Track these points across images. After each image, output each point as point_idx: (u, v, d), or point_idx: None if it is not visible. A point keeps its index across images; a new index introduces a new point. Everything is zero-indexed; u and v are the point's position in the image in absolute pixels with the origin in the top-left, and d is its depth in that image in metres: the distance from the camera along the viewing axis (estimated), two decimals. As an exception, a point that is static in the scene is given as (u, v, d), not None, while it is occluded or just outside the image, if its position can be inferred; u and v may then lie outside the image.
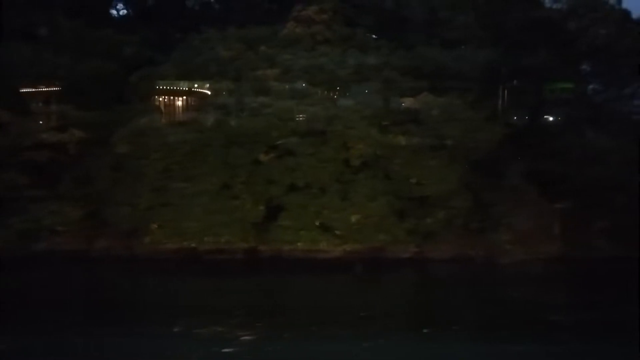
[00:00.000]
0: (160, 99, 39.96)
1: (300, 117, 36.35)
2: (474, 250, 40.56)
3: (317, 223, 35.37)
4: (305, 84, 37.86)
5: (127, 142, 34.54)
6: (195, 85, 39.98)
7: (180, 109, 39.20)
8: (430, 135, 38.24)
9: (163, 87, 40.08)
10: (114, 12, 60.29)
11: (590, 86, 52.77)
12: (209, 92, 39.70)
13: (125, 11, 60.58)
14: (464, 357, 19.86)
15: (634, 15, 51.14)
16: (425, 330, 22.28)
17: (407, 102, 39.26)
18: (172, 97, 40.00)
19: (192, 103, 38.63)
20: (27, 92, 40.25)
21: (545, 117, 48.45)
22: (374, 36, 44.15)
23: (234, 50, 41.01)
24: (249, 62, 40.01)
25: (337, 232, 35.66)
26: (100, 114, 36.06)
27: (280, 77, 38.26)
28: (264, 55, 40.86)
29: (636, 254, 40.18)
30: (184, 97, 39.81)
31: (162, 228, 34.49)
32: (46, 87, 40.20)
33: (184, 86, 39.71)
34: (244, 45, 41.74)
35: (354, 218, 35.72)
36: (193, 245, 34.23)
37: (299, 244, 34.69)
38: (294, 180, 35.71)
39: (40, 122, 40.02)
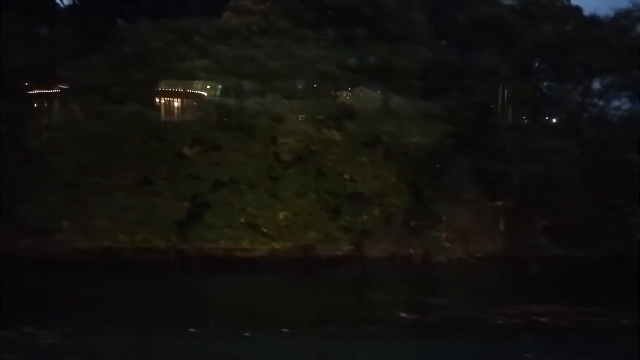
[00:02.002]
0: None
1: (227, 110, 34.14)
2: (411, 248, 39.38)
3: (242, 220, 33.33)
4: (235, 76, 35.63)
5: (38, 135, 32.06)
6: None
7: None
8: (365, 131, 36.68)
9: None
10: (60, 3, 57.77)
11: (546, 84, 51.91)
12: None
13: (69, 1, 58.15)
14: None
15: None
16: (333, 330, 20.53)
17: (342, 97, 37.46)
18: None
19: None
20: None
21: (493, 114, 47.00)
22: (313, 29, 41.97)
23: (164, 41, 38.80)
24: (179, 54, 37.76)
25: (264, 230, 33.79)
26: (13, 105, 33.48)
27: (209, 69, 36.16)
28: (197, 47, 38.74)
29: (577, 253, 40.12)
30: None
31: (74, 226, 32.29)
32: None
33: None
34: (177, 36, 39.59)
35: (282, 215, 34.17)
36: (107, 244, 31.95)
37: (221, 242, 32.74)
38: (219, 176, 34.02)
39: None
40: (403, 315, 21.10)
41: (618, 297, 23.20)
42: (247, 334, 19.81)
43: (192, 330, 20.34)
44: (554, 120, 49.15)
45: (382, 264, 34.49)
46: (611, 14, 49.18)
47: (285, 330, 20.09)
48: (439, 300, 23.47)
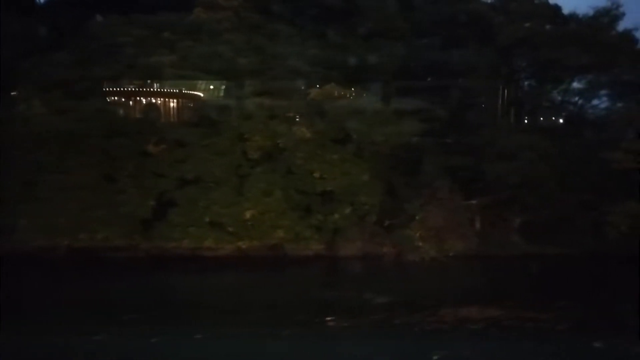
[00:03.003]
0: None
1: (193, 106, 33.25)
2: (384, 247, 38.63)
3: (207, 219, 32.46)
4: (202, 72, 34.71)
5: (-2, 132, 31.11)
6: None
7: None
8: (335, 128, 35.85)
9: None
10: None
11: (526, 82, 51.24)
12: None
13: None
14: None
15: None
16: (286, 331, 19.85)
17: (313, 94, 36.58)
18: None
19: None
20: None
21: (469, 112, 46.27)
22: (286, 25, 41.12)
23: (132, 36, 37.84)
24: (147, 49, 36.80)
25: (230, 229, 32.91)
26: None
27: (176, 65, 35.21)
28: (166, 42, 37.81)
29: (551, 251, 39.59)
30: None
31: (32, 224, 31.36)
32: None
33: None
34: (146, 31, 38.64)
35: (248, 214, 33.23)
36: (66, 242, 30.98)
37: (185, 241, 31.77)
38: (184, 174, 33.09)
39: None
40: (331, 317, 20.49)
41: (577, 297, 22.67)
42: (198, 336, 19.11)
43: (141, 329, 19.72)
44: (531, 119, 48.74)
45: (351, 263, 34.04)
46: (590, 12, 49.27)
47: (234, 330, 19.40)
48: (384, 300, 22.96)
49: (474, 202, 42.24)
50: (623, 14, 48.50)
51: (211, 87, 35.37)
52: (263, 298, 22.72)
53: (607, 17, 48.68)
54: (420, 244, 40.21)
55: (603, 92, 49.54)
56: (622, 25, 47.33)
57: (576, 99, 50.58)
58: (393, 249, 39.78)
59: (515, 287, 27.75)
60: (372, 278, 30.87)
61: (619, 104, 48.62)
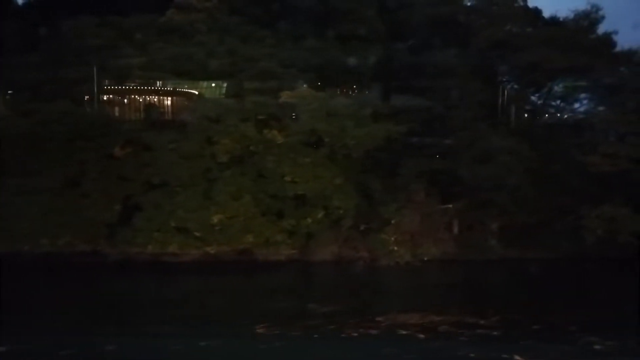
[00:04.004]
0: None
1: (161, 108, 32.29)
2: (358, 251, 37.67)
3: (172, 224, 31.40)
4: (172, 73, 33.78)
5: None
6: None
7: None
8: (306, 131, 34.92)
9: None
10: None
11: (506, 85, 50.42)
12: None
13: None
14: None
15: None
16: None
17: (285, 96, 35.66)
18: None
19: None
20: None
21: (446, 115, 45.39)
22: (261, 27, 40.28)
23: (104, 38, 36.93)
24: (118, 51, 35.89)
25: (196, 234, 31.91)
26: None
27: (146, 66, 34.27)
28: (137, 44, 36.91)
29: (528, 255, 38.79)
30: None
31: (-10, 229, 30.24)
32: None
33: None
34: (118, 33, 37.75)
35: (215, 218, 32.19)
36: (26, 248, 29.93)
37: (149, 246, 30.77)
38: (150, 177, 31.92)
39: None
40: (265, 323, 19.75)
41: (536, 302, 21.96)
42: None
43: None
44: (510, 122, 47.88)
45: (320, 269, 33.13)
46: (571, 15, 48.62)
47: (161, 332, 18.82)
48: (330, 306, 22.18)
49: (450, 205, 41.59)
50: (603, 17, 48.23)
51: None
52: (208, 303, 21.88)
53: (587, 20, 48.36)
54: (395, 248, 39.35)
55: (582, 95, 49.21)
56: (602, 29, 47.33)
57: (556, 102, 50.17)
58: (367, 254, 39.04)
59: (474, 293, 27.21)
60: (332, 283, 30.23)
61: (599, 108, 48.26)
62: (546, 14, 52.99)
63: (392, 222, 39.67)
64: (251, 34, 40.01)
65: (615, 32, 47.16)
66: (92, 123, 32.17)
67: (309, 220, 36.72)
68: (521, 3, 51.18)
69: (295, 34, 42.07)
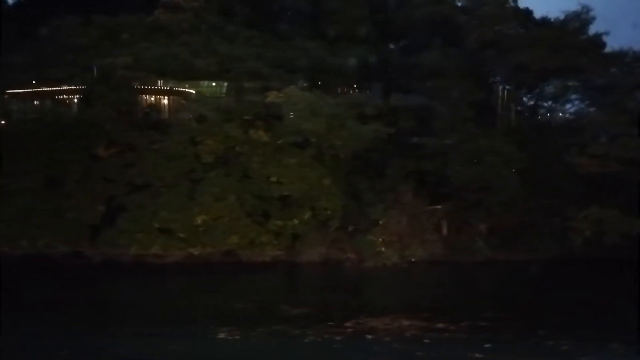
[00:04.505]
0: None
1: (144, 108, 31.91)
2: (345, 252, 37.36)
3: (155, 225, 31.04)
4: (156, 73, 33.40)
5: None
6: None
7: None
8: (293, 132, 34.58)
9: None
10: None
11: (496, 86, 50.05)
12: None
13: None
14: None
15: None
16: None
17: (271, 96, 35.29)
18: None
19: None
20: None
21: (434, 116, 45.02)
22: (248, 27, 39.92)
23: (90, 37, 36.56)
24: (104, 50, 35.54)
25: (180, 235, 31.56)
26: None
27: (131, 66, 33.93)
28: (123, 44, 36.55)
29: (515, 256, 38.50)
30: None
31: (-31, 230, 29.90)
32: None
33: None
34: (104, 33, 37.40)
35: (199, 219, 31.82)
36: (5, 249, 29.55)
37: (132, 248, 30.40)
38: (133, 178, 31.48)
39: None
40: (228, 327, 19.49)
41: (515, 305, 21.72)
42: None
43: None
44: (500, 123, 47.55)
45: (304, 270, 32.86)
46: (561, 16, 48.35)
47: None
48: (301, 309, 21.86)
49: (439, 207, 41.27)
50: (593, 18, 48.00)
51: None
52: (177, 305, 21.60)
53: (578, 21, 48.09)
54: (383, 249, 39.04)
55: (572, 96, 48.92)
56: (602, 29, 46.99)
57: (547, 103, 49.91)
58: (355, 255, 38.82)
59: (454, 295, 26.88)
60: (312, 285, 29.96)
61: (588, 108, 47.98)
62: (537, 14, 53.13)
63: (380, 223, 39.68)
64: (238, 34, 39.77)
65: (607, 33, 47.31)
66: (76, 123, 31.87)
67: (296, 221, 36.38)
68: (512, 4, 51.33)
69: (282, 35, 41.85)
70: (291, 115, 35.03)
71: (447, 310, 22.02)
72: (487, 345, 17.11)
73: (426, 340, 18.27)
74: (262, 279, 29.92)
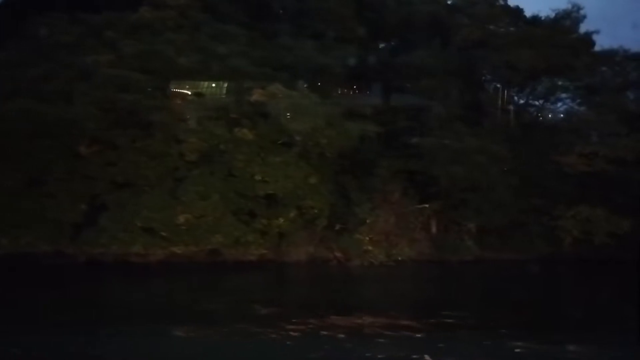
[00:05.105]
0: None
1: (127, 106, 31.58)
2: (332, 252, 37.10)
3: (138, 224, 30.77)
4: (139, 71, 33.13)
5: None
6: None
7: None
8: (277, 130, 34.33)
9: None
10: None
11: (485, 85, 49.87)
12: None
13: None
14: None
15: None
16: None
17: (256, 94, 35.02)
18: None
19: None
20: None
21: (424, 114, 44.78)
22: (235, 24, 39.60)
23: (73, 35, 36.28)
24: (86, 48, 35.28)
25: (162, 234, 31.32)
26: None
27: (113, 64, 33.64)
28: (107, 41, 36.27)
29: (504, 256, 38.32)
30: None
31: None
32: None
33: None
34: (88, 30, 37.11)
35: (182, 218, 31.54)
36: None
37: (113, 247, 30.11)
38: (115, 177, 31.23)
39: None
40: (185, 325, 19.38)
41: (488, 304, 21.51)
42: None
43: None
44: (489, 122, 47.35)
45: (289, 269, 32.77)
46: (552, 15, 48.21)
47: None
48: (269, 308, 21.70)
49: (427, 205, 41.09)
50: (584, 17, 47.94)
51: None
52: (145, 304, 21.35)
53: (569, 19, 47.98)
54: (370, 248, 38.87)
55: (563, 95, 48.80)
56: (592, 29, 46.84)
57: (536, 102, 49.74)
58: (341, 254, 38.63)
59: (431, 293, 26.82)
60: (291, 284, 29.89)
61: (578, 108, 47.88)
62: (528, 13, 53.00)
63: (367, 222, 39.48)
64: (223, 32, 39.46)
65: (597, 32, 47.30)
66: (57, 121, 31.59)
67: (281, 220, 36.18)
68: (502, 2, 51.17)
69: (269, 33, 41.59)
70: (275, 113, 34.80)
71: (417, 309, 21.93)
72: (440, 345, 17.00)
73: (380, 340, 18.21)
74: (244, 279, 29.67)
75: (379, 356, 16.77)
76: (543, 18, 49.39)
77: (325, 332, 18.93)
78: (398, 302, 23.77)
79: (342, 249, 38.18)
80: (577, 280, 30.29)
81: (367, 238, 38.89)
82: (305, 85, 39.28)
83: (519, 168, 41.72)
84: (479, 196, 39.67)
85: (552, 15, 47.47)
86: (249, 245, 34.89)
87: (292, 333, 18.75)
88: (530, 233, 39.87)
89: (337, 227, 39.00)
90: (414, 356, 16.09)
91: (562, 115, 48.50)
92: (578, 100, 47.71)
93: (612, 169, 37.84)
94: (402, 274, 32.11)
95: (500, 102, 47.51)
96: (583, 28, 45.05)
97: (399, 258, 38.36)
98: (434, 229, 40.94)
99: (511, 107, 47.24)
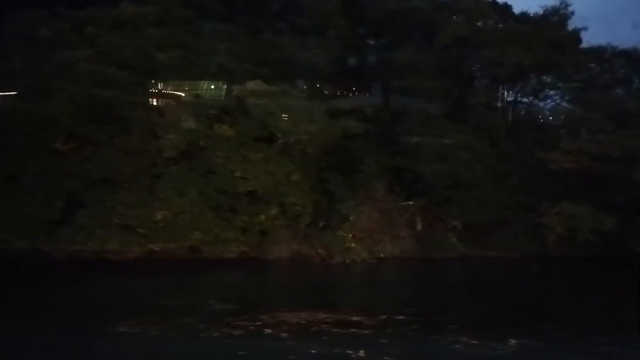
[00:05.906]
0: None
1: (104, 102, 31.24)
2: (314, 248, 36.81)
3: (115, 221, 30.46)
4: (118, 67, 32.78)
5: None
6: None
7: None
8: (258, 126, 34.03)
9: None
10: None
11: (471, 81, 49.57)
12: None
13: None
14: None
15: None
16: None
17: (236, 90, 34.74)
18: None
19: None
20: None
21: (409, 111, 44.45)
22: (217, 20, 39.32)
23: (54, 30, 35.96)
24: (67, 43, 34.93)
25: (140, 231, 31.01)
26: None
27: (92, 59, 33.31)
28: (88, 37, 35.96)
29: (488, 253, 38.09)
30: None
31: None
32: None
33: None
34: (69, 26, 36.79)
35: (159, 215, 31.27)
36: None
37: (89, 243, 29.79)
38: (92, 173, 30.95)
39: None
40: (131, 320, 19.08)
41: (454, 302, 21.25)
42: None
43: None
44: (474, 118, 47.04)
45: (268, 266, 32.47)
46: (540, 11, 47.95)
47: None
48: (224, 304, 21.50)
49: (411, 203, 40.82)
50: (572, 14, 47.74)
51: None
52: (98, 301, 21.10)
53: (557, 16, 47.72)
54: (353, 245, 38.71)
55: (550, 92, 48.57)
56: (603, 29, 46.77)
57: (524, 98, 49.52)
58: (324, 251, 38.38)
59: (399, 291, 26.63)
60: (258, 281, 29.52)
61: (565, 105, 47.62)
62: (517, 9, 52.72)
63: (350, 219, 39.25)
64: (204, 28, 39.17)
65: (585, 29, 47.03)
66: (33, 117, 31.27)
67: (262, 217, 35.96)
68: (489, -1, 50.91)
69: (251, 29, 41.29)
70: (255, 109, 34.49)
71: (375, 306, 21.66)
72: (382, 341, 16.83)
73: (324, 338, 17.94)
74: (217, 276, 29.39)
75: (312, 351, 16.63)
76: (532, 15, 49.78)
77: (269, 330, 18.78)
78: (361, 299, 23.63)
79: (324, 246, 37.97)
80: (556, 278, 29.99)
81: (350, 235, 38.68)
82: (287, 82, 39.50)
83: (504, 165, 41.70)
84: (463, 193, 39.63)
85: (541, 12, 48.04)
86: (229, 243, 34.70)
87: (235, 330, 18.52)
88: (515, 230, 39.56)
89: (321, 224, 38.85)
90: (349, 352, 15.93)
91: (548, 113, 48.63)
92: (566, 98, 47.89)
93: (597, 166, 37.68)
94: (381, 271, 31.77)
95: (487, 99, 47.48)
96: (583, 28, 44.74)
97: (382, 255, 38.29)
98: (419, 226, 40.70)
99: (499, 104, 47.23)
